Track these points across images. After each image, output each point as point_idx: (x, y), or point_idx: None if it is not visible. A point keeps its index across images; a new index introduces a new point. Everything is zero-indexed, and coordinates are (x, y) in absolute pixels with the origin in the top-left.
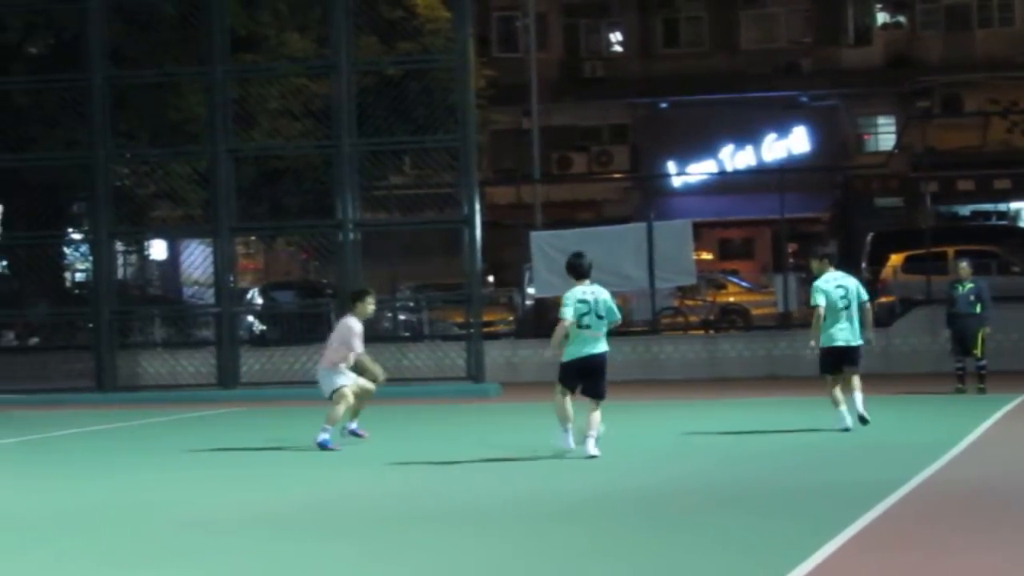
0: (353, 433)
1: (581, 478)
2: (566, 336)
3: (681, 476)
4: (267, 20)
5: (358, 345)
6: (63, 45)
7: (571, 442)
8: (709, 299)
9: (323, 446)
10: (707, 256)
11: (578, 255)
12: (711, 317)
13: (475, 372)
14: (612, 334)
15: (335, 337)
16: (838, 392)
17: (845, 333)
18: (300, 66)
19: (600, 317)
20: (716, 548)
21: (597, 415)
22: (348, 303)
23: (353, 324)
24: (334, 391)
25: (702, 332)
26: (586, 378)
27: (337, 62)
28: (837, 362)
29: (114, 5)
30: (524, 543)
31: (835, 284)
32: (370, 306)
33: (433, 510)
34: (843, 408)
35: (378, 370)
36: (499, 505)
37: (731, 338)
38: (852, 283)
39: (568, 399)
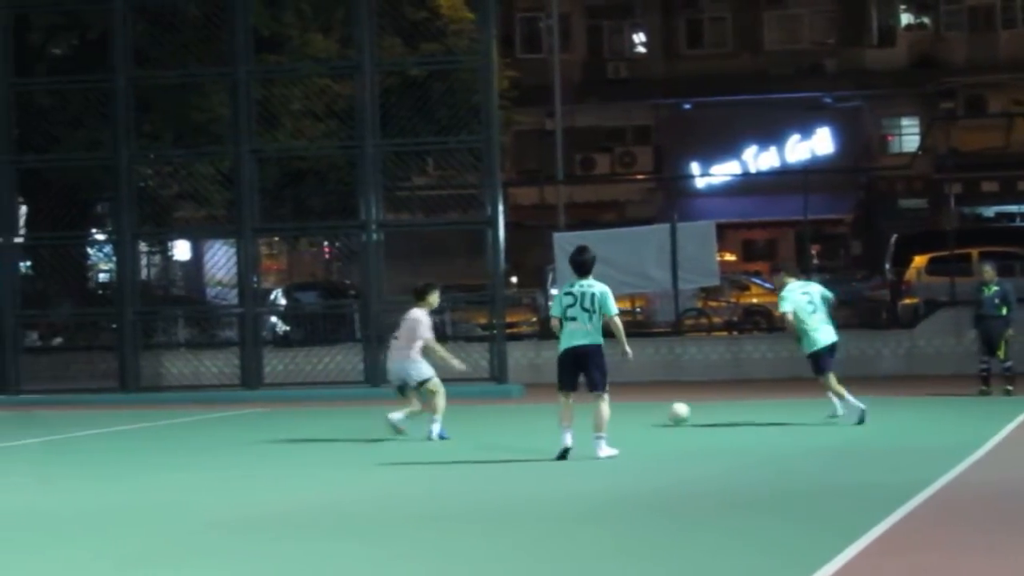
0: (397, 427)
1: (602, 479)
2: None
3: (704, 477)
4: (291, 21)
5: (426, 332)
6: (87, 46)
7: (566, 440)
8: (732, 300)
9: (442, 437)
10: (731, 257)
11: (580, 251)
12: (734, 318)
13: (498, 373)
14: (632, 335)
15: (405, 330)
16: (838, 386)
17: (824, 333)
18: (323, 67)
19: (586, 309)
20: (738, 550)
21: (603, 410)
22: (414, 298)
23: (421, 315)
24: (424, 381)
25: (725, 333)
26: (579, 370)
27: (361, 63)
28: (829, 360)
29: (138, 6)
30: (545, 544)
31: (800, 291)
32: (436, 298)
33: (453, 510)
34: (849, 396)
35: (455, 362)
36: (520, 506)
37: (754, 339)
38: (814, 288)
39: (568, 401)
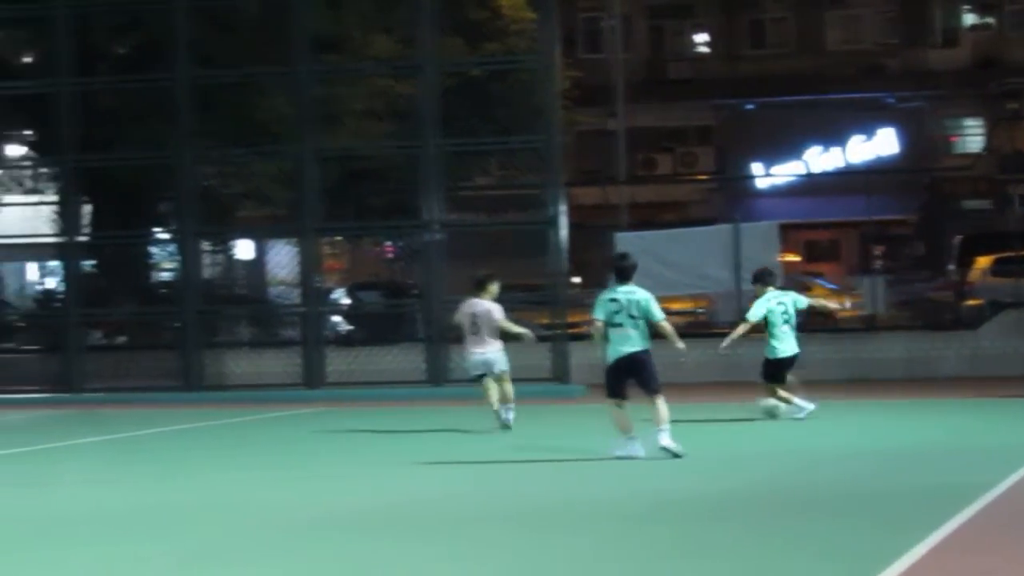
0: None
1: (662, 480)
2: (606, 338)
3: (763, 479)
4: (353, 21)
5: (502, 316)
6: (149, 45)
7: (638, 449)
8: None
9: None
10: (793, 258)
11: (622, 256)
12: (797, 319)
13: (560, 373)
14: (693, 336)
15: (484, 322)
16: (784, 392)
17: (787, 344)
18: (385, 67)
19: (632, 316)
20: (798, 551)
21: (661, 408)
22: (474, 289)
23: (492, 305)
24: (505, 370)
25: None
26: (630, 376)
27: (422, 63)
28: (784, 371)
29: (199, 5)
30: (607, 544)
31: (776, 301)
32: (496, 288)
33: (514, 510)
34: (795, 400)
35: (528, 333)
36: (582, 506)
37: (817, 340)
38: (788, 298)
39: (622, 409)
